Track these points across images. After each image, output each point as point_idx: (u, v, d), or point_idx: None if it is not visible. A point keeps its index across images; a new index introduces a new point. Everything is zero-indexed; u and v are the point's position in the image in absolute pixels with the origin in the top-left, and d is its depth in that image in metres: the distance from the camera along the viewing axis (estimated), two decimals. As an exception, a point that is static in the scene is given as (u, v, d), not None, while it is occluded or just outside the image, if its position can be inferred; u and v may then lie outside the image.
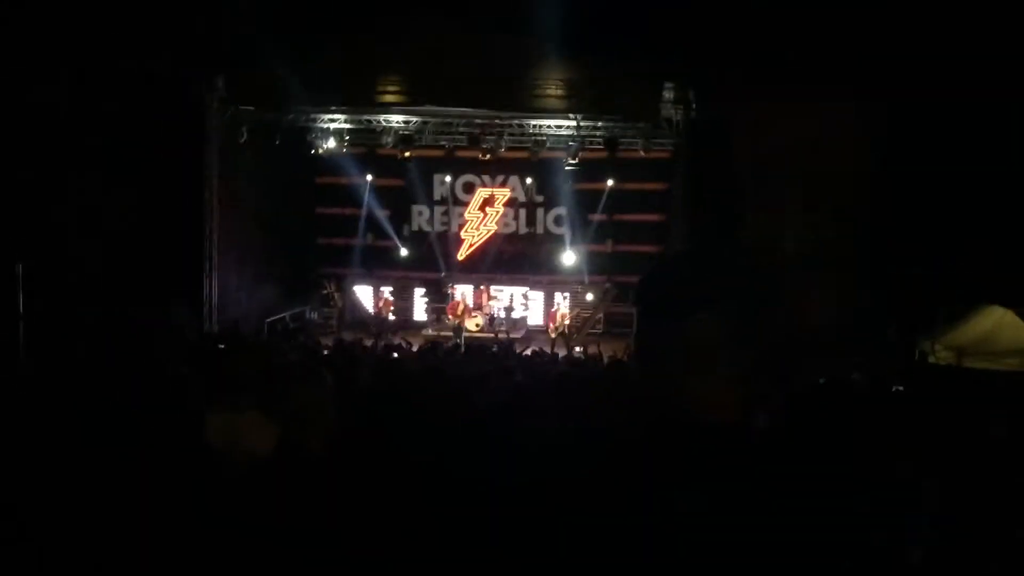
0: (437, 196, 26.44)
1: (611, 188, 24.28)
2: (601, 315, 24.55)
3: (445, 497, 3.01)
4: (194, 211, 20.48)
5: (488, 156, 22.80)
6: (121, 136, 17.40)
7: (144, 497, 3.20)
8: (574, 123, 21.31)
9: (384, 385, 7.79)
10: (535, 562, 1.93)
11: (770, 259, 18.08)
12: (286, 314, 23.53)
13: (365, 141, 23.66)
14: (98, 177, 17.16)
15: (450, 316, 23.88)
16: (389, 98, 20.83)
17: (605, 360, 14.76)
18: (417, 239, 26.45)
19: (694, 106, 20.28)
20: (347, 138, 23.41)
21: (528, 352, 17.27)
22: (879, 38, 17.02)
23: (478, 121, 21.82)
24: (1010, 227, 16.84)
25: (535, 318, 24.92)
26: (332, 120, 22.57)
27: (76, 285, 16.11)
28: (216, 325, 20.49)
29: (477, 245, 26.15)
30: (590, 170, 23.56)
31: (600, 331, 24.01)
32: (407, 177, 25.25)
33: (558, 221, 26.01)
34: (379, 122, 22.34)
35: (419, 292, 25.71)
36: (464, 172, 25.81)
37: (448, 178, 26.03)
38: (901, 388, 11.12)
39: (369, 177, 25.09)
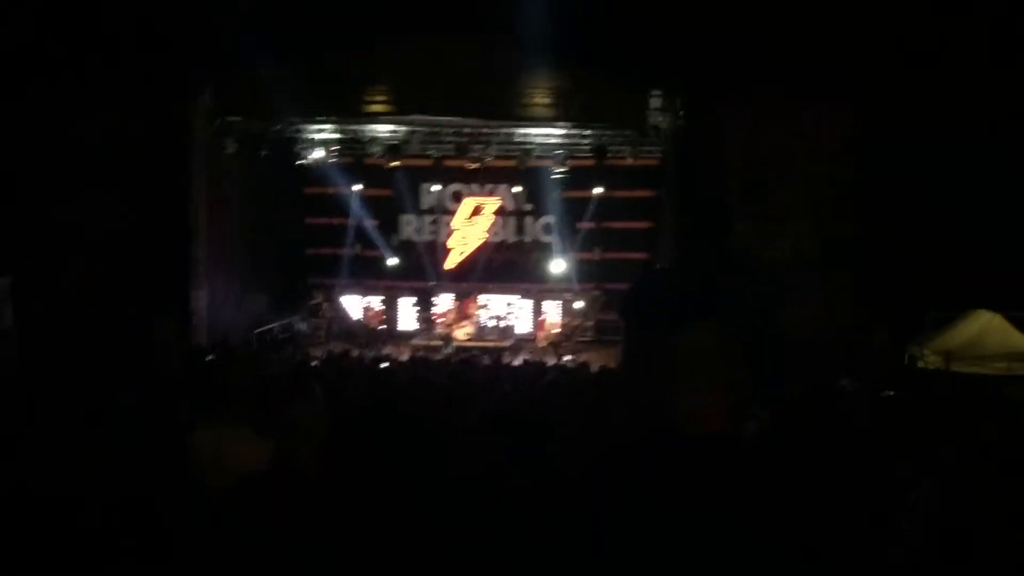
0: (425, 205, 26.45)
1: (599, 196, 24.32)
2: (591, 323, 24.58)
3: (438, 509, 3.00)
4: (181, 222, 20.40)
5: (476, 165, 22.81)
6: (106, 148, 17.35)
7: (133, 514, 3.18)
8: (562, 131, 21.33)
9: (374, 397, 7.78)
10: (529, 571, 1.93)
11: (759, 266, 18.13)
12: (275, 325, 23.46)
13: (353, 151, 23.64)
14: (83, 189, 17.11)
15: (440, 326, 23.86)
16: (376, 108, 20.81)
17: (595, 368, 14.76)
18: (405, 249, 26.43)
19: (681, 113, 20.32)
20: (334, 148, 23.37)
21: (518, 361, 17.30)
22: (866, 42, 17.06)
23: (466, 130, 21.82)
24: (998, 231, 16.89)
25: (524, 327, 24.91)
26: (319, 130, 22.54)
27: (61, 298, 16.05)
28: (205, 337, 20.42)
29: (466, 254, 26.17)
30: (578, 178, 23.59)
31: (590, 339, 24.05)
32: (395, 187, 25.26)
33: (547, 229, 26.03)
34: (366, 132, 22.32)
35: (408, 302, 25.67)
36: (452, 181, 25.81)
37: (436, 187, 26.03)
38: (891, 393, 11.14)
39: (357, 187, 25.07)
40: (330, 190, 25.26)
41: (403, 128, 22.13)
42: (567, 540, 1.86)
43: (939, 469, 4.28)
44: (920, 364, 15.79)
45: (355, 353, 16.46)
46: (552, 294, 25.13)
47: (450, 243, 26.24)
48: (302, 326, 25.35)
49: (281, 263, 24.61)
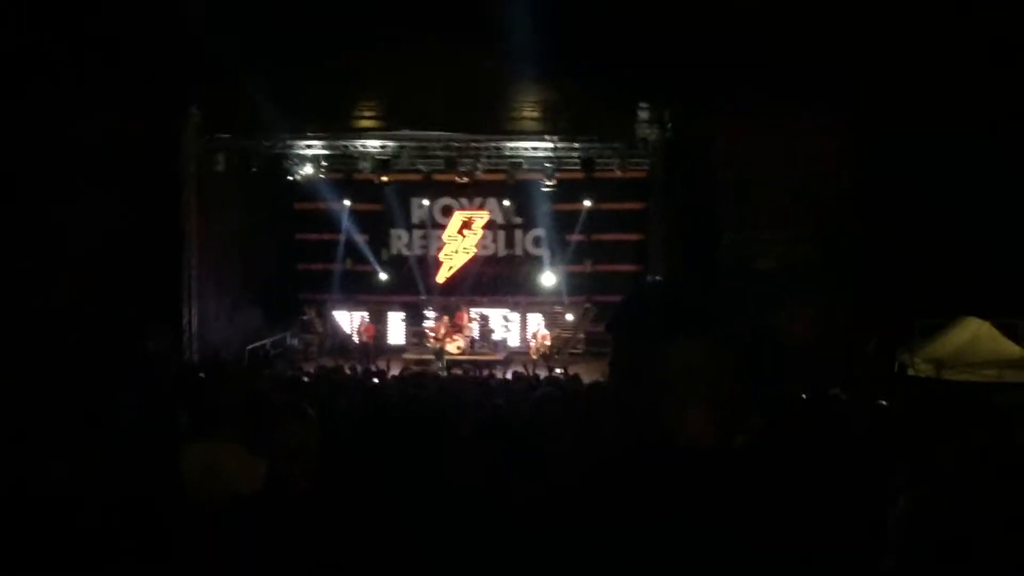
0: (415, 220, 26.47)
1: (589, 208, 24.36)
2: (582, 335, 24.58)
3: (432, 525, 3.00)
4: (172, 239, 20.40)
5: (465, 179, 22.82)
6: (98, 164, 17.33)
7: (126, 523, 3.17)
8: (550, 144, 21.35)
9: (366, 414, 7.77)
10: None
11: (750, 276, 18.16)
12: (267, 341, 23.43)
13: (342, 167, 23.63)
14: (74, 205, 17.07)
15: (431, 340, 23.85)
16: (366, 123, 20.84)
17: (586, 381, 14.74)
18: (396, 263, 26.44)
19: (669, 125, 20.36)
20: (324, 164, 23.37)
21: (509, 374, 17.26)
22: (851, 55, 17.14)
23: (455, 144, 21.83)
24: (987, 239, 16.96)
25: (515, 340, 24.90)
26: (309, 146, 22.54)
27: (54, 313, 16.00)
28: (196, 353, 20.39)
29: (456, 268, 26.18)
30: (567, 191, 23.61)
31: (581, 351, 24.05)
32: (385, 202, 25.27)
33: (537, 242, 26.06)
34: (356, 147, 22.32)
35: (399, 316, 25.65)
36: (442, 195, 25.85)
37: (426, 202, 26.05)
38: (884, 402, 11.15)
39: (347, 202, 25.09)
40: (320, 205, 25.28)
41: (392, 143, 22.13)
42: (560, 553, 1.86)
43: (934, 474, 4.29)
44: (911, 372, 15.84)
45: (347, 368, 16.41)
46: (543, 307, 25.13)
47: (440, 257, 26.24)
48: (293, 341, 25.32)
49: (272, 279, 24.58)
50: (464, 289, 25.76)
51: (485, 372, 17.53)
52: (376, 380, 14.06)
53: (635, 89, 19.96)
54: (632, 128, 20.56)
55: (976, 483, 4.07)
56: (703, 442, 1.91)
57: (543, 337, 23.70)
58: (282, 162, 23.50)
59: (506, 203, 25.61)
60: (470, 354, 23.15)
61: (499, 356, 23.49)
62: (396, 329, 25.59)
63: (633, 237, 24.40)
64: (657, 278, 20.54)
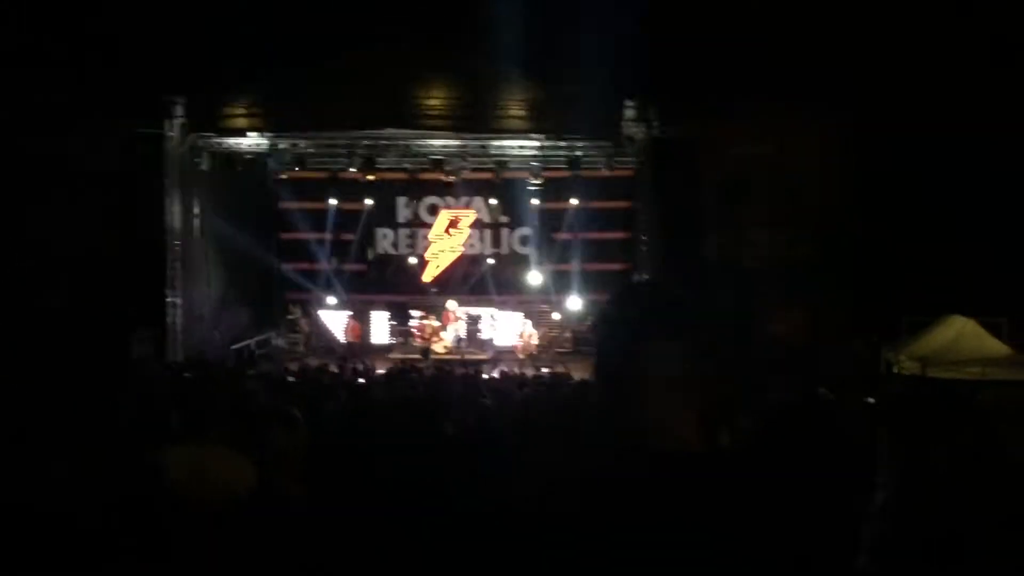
0: (401, 219, 26.43)
1: (575, 207, 24.35)
2: (568, 334, 24.60)
3: (419, 527, 2.99)
4: (156, 239, 20.35)
5: (452, 178, 22.80)
6: (81, 164, 17.26)
7: (115, 534, 3.15)
8: (537, 143, 21.34)
9: (354, 414, 7.75)
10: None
11: (736, 275, 18.21)
12: (252, 341, 23.37)
13: (328, 165, 23.59)
14: (57, 206, 17.00)
15: (417, 339, 23.82)
16: (351, 123, 20.80)
17: (573, 380, 14.77)
18: (382, 262, 26.39)
19: (656, 124, 20.38)
20: (309, 163, 23.32)
21: (496, 373, 17.28)
22: (838, 55, 17.19)
23: (441, 144, 21.81)
24: (971, 237, 17.03)
25: (503, 339, 24.88)
26: (294, 145, 22.49)
27: (34, 316, 15.92)
28: (181, 354, 20.33)
29: (443, 267, 26.15)
30: (554, 190, 23.62)
31: (568, 350, 24.07)
32: (371, 201, 25.21)
33: (523, 241, 26.06)
34: (341, 146, 22.28)
35: (385, 316, 25.59)
36: (428, 194, 25.81)
37: (412, 201, 26.03)
38: (871, 400, 11.18)
39: (332, 201, 25.02)
40: (306, 205, 25.23)
41: (378, 142, 22.09)
42: (548, 556, 1.86)
43: (912, 471, 4.29)
44: (896, 370, 15.90)
45: (333, 368, 16.39)
46: (530, 306, 25.12)
47: (427, 256, 26.20)
48: (279, 341, 25.26)
49: (257, 278, 24.52)
50: (450, 288, 25.72)
51: (472, 369, 17.54)
52: (362, 380, 14.05)
53: (621, 87, 19.97)
54: (618, 126, 20.57)
55: (955, 481, 4.06)
56: (689, 444, 1.90)
57: (530, 336, 23.70)
58: (267, 161, 23.45)
59: (492, 202, 25.59)
60: (457, 353, 23.13)
61: (486, 355, 23.48)
62: (382, 328, 25.53)
63: (620, 236, 24.40)
64: (643, 277, 20.56)
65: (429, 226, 26.22)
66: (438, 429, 6.32)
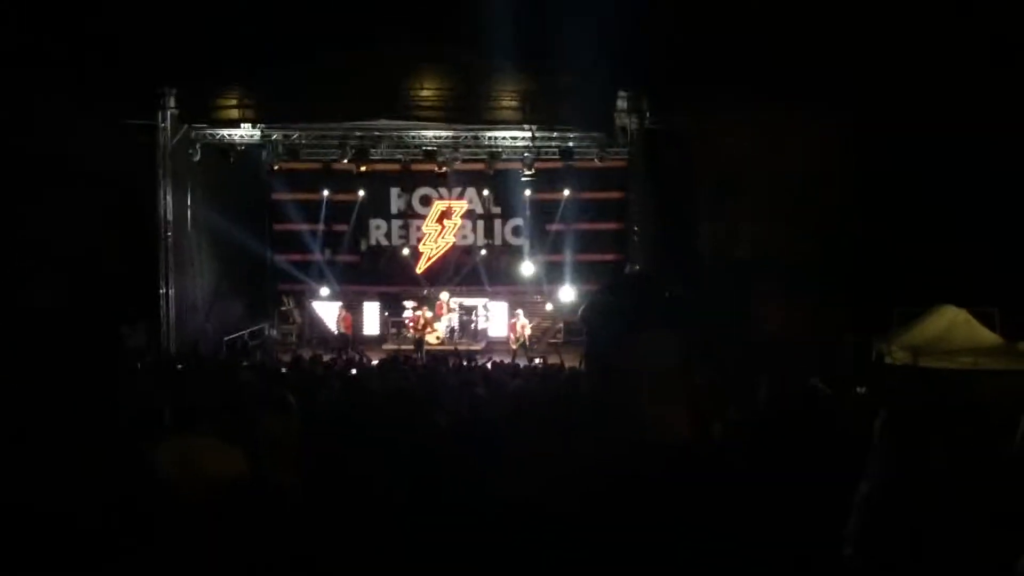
0: (394, 210, 26.38)
1: (568, 198, 24.33)
2: (561, 324, 24.60)
3: (413, 518, 2.99)
4: (149, 230, 20.31)
5: (444, 169, 22.78)
6: (71, 156, 17.20)
7: (101, 523, 3.15)
8: (529, 134, 21.32)
9: (347, 404, 7.75)
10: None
11: (728, 266, 18.23)
12: (245, 332, 23.35)
13: (320, 157, 23.54)
14: (50, 197, 16.95)
15: (410, 330, 23.80)
16: (344, 114, 20.77)
17: (566, 370, 14.78)
18: (375, 254, 26.36)
19: (648, 115, 20.37)
20: (302, 154, 23.28)
21: (488, 364, 17.28)
22: (832, 52, 17.20)
23: (433, 135, 21.78)
24: (964, 229, 17.05)
25: (495, 329, 24.87)
26: (287, 136, 22.44)
27: (27, 309, 15.88)
28: (174, 344, 20.32)
29: (436, 258, 26.10)
30: (546, 180, 23.60)
31: (561, 340, 24.06)
32: (364, 192, 25.18)
33: (516, 232, 26.03)
34: (334, 137, 22.24)
35: (378, 306, 25.57)
36: (421, 185, 25.75)
37: (405, 192, 25.98)
38: (863, 390, 11.22)
39: (325, 192, 24.99)
40: (299, 196, 25.20)
41: (371, 133, 22.05)
42: (543, 547, 1.86)
43: (898, 462, 4.31)
44: (888, 360, 15.92)
45: (326, 358, 16.38)
46: (523, 296, 25.10)
47: (420, 247, 26.16)
48: (272, 332, 25.24)
49: (251, 269, 24.48)
50: (444, 279, 25.68)
51: (465, 360, 17.53)
52: (355, 370, 14.04)
53: (614, 79, 19.95)
54: (611, 118, 20.55)
55: (944, 473, 4.09)
56: (681, 435, 1.91)
57: (523, 327, 23.71)
58: (260, 152, 23.40)
59: (485, 193, 25.56)
60: (450, 344, 23.13)
61: (479, 346, 23.49)
62: (375, 319, 25.50)
63: (612, 226, 24.39)
64: (635, 268, 20.57)
65: (422, 217, 26.18)
66: (431, 419, 6.32)
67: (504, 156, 22.48)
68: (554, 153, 21.97)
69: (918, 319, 16.26)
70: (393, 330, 25.03)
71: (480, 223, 26.24)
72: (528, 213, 25.38)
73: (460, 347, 22.46)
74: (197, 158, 21.18)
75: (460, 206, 26.01)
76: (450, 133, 21.67)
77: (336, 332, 24.48)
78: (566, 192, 24.16)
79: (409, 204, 26.22)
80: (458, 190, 25.85)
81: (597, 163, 22.10)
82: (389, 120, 21.03)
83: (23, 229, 16.87)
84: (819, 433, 5.72)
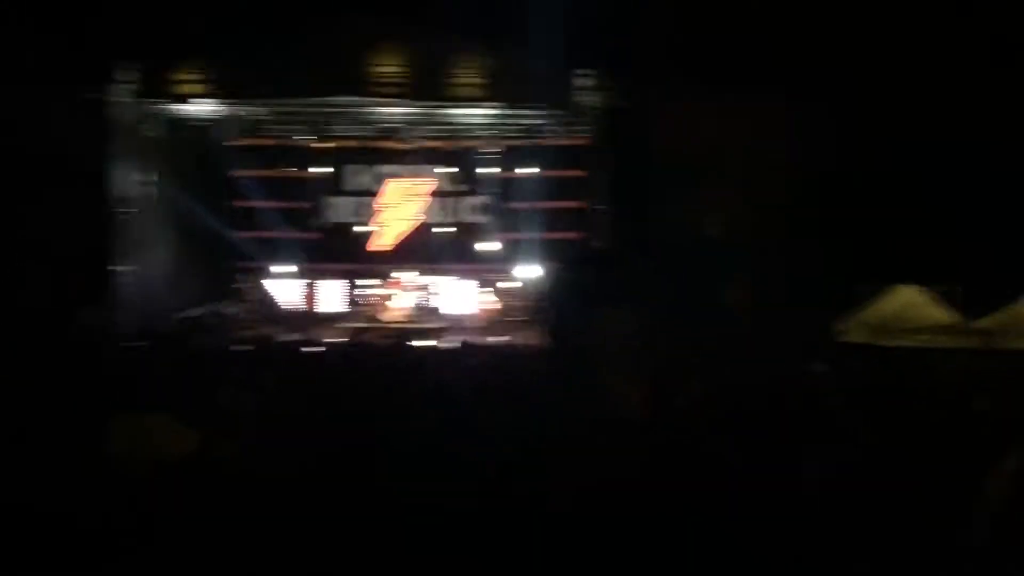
0: (354, 187, 26.19)
1: (530, 176, 24.28)
2: (524, 303, 24.60)
3: (372, 497, 2.96)
4: (103, 207, 20.08)
5: (406, 146, 22.66)
6: (24, 131, 16.95)
7: (50, 507, 3.09)
8: (492, 112, 21.27)
9: (302, 382, 7.67)
10: (453, 554, 1.90)
11: (691, 246, 18.30)
12: (202, 309, 23.15)
13: (280, 133, 23.34)
14: (2, 175, 16.72)
15: (370, 308, 23.71)
16: (304, 90, 20.61)
17: (526, 349, 14.78)
18: (334, 231, 26.18)
19: (611, 93, 20.38)
20: (261, 130, 23.07)
21: (450, 342, 17.26)
22: (795, 26, 17.29)
23: (395, 111, 21.65)
24: (918, 207, 17.23)
25: (457, 308, 24.84)
26: (246, 112, 22.22)
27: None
28: (130, 322, 20.12)
29: (396, 236, 25.97)
30: (509, 158, 23.55)
31: (523, 319, 24.06)
32: (324, 169, 24.98)
33: (478, 210, 25.95)
34: (294, 114, 22.06)
35: (337, 284, 25.43)
36: (382, 163, 25.57)
37: (365, 169, 25.80)
38: (822, 368, 11.28)
39: (284, 169, 24.76)
40: (257, 172, 24.94)
41: (331, 110, 21.90)
42: (502, 523, 1.84)
43: (850, 440, 4.33)
44: (847, 339, 16.06)
45: (283, 337, 16.28)
46: (484, 275, 25.07)
47: (380, 225, 26.00)
48: (230, 310, 25.03)
49: (208, 246, 24.24)
50: (404, 257, 25.57)
51: (426, 341, 17.51)
52: (312, 348, 13.96)
53: (577, 57, 19.93)
54: (574, 96, 20.55)
55: (896, 450, 4.11)
56: (641, 409, 1.88)
57: (484, 305, 23.69)
58: (216, 127, 23.16)
59: (447, 170, 25.44)
60: (410, 322, 23.07)
61: (440, 324, 23.44)
62: (335, 298, 25.37)
63: (575, 205, 24.37)
64: (597, 245, 20.61)
65: (382, 194, 26.02)
66: (391, 397, 6.27)
67: (466, 134, 22.41)
68: (516, 131, 21.94)
69: (876, 297, 16.42)
70: (353, 308, 24.91)
71: (442, 201, 26.12)
72: (490, 191, 25.30)
73: (421, 325, 22.42)
74: (154, 134, 20.95)
75: (421, 184, 25.87)
76: (412, 110, 21.57)
77: (294, 310, 24.33)
78: (528, 170, 24.09)
79: (369, 181, 26.03)
80: (419, 168, 25.68)
81: (560, 141, 22.09)
82: (350, 96, 20.88)
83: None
84: (779, 409, 5.74)
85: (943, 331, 15.42)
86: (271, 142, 23.67)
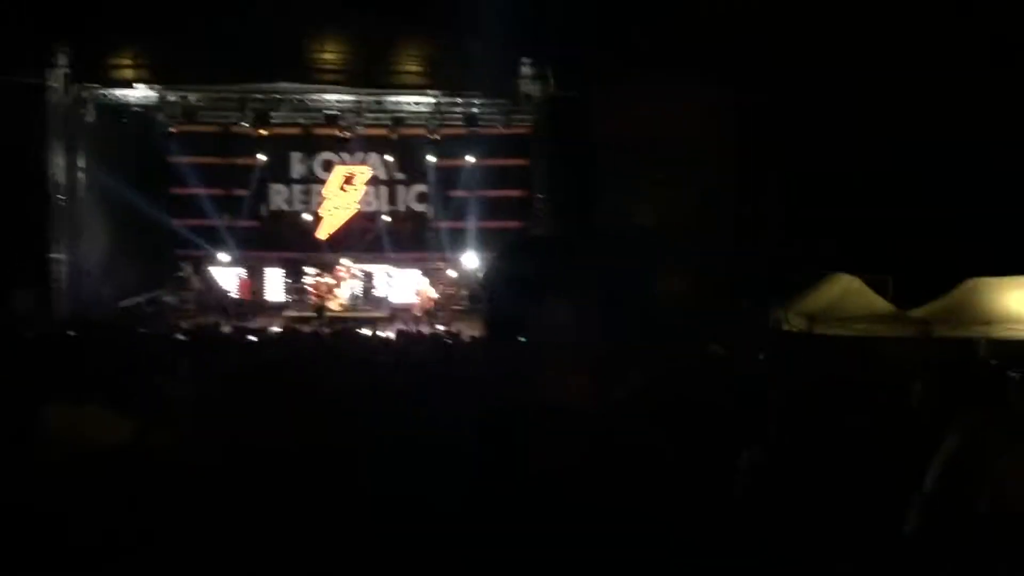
0: (295, 175, 25.95)
1: (472, 164, 24.22)
2: (465, 292, 24.57)
3: (310, 488, 2.94)
4: (38, 193, 19.72)
5: (347, 134, 22.51)
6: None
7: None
8: (433, 99, 21.19)
9: (245, 373, 7.60)
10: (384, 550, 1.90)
11: (629, 234, 18.38)
12: (141, 298, 22.85)
13: (219, 119, 23.04)
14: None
15: (312, 297, 23.55)
16: (243, 75, 20.36)
17: (468, 338, 14.79)
18: (276, 219, 25.94)
19: (552, 83, 20.40)
20: (200, 116, 22.75)
21: (391, 332, 17.20)
22: (727, 26, 17.44)
23: (336, 98, 21.48)
24: (856, 197, 17.47)
25: (398, 296, 24.75)
26: (183, 97, 21.90)
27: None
28: (66, 309, 19.81)
29: (338, 224, 25.80)
30: (451, 147, 23.48)
31: (465, 308, 24.04)
32: (264, 156, 24.71)
33: (420, 198, 25.85)
34: (233, 100, 21.79)
35: (279, 273, 25.22)
36: (323, 150, 25.36)
37: (306, 156, 25.58)
38: (762, 357, 11.42)
39: (224, 156, 24.46)
40: (196, 159, 24.59)
41: (271, 96, 21.67)
42: (438, 513, 1.83)
43: (785, 426, 4.39)
44: (784, 327, 16.26)
45: (224, 326, 16.11)
46: (426, 263, 25.02)
47: (321, 213, 25.81)
48: (169, 299, 24.71)
49: (146, 234, 23.89)
50: (346, 245, 25.40)
51: (368, 330, 17.45)
52: (253, 338, 13.83)
53: (519, 45, 19.92)
54: (515, 84, 20.55)
55: (835, 438, 4.17)
56: (580, 399, 1.89)
57: (426, 293, 23.64)
58: (155, 114, 22.80)
59: (388, 158, 25.30)
60: (352, 311, 22.95)
61: (382, 313, 23.34)
62: (276, 286, 25.15)
63: (516, 193, 24.37)
64: (538, 234, 20.65)
65: (324, 182, 25.80)
66: (332, 387, 6.24)
67: (408, 121, 22.31)
68: (458, 119, 21.89)
69: (813, 287, 16.64)
70: (295, 297, 24.72)
71: (383, 189, 25.97)
72: (432, 179, 25.21)
73: (362, 314, 22.32)
74: (89, 119, 20.60)
75: (363, 171, 25.69)
76: (353, 97, 21.42)
77: (235, 299, 24.10)
78: (470, 158, 24.03)
79: (311, 169, 25.80)
80: (361, 155, 25.50)
81: (501, 130, 22.07)
82: (290, 83, 20.68)
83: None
84: (717, 399, 5.81)
85: (880, 320, 15.67)
86: (210, 129, 23.34)
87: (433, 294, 23.79)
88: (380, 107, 21.84)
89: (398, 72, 20.35)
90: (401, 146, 24.19)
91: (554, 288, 1.90)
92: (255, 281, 24.70)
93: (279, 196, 25.99)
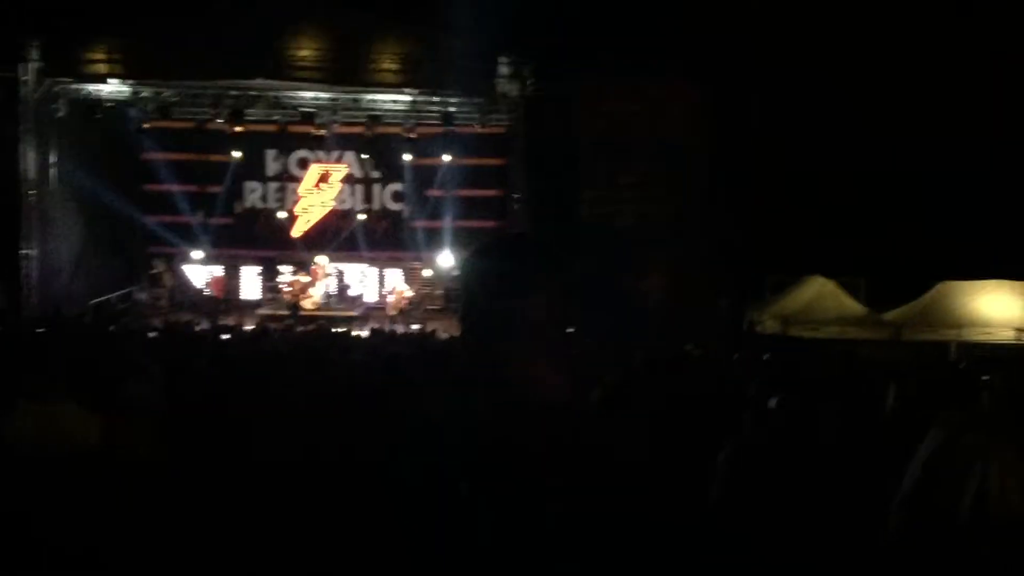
0: (270, 172, 25.84)
1: (448, 163, 24.17)
2: (440, 291, 24.53)
3: (282, 485, 2.91)
4: (9, 189, 19.55)
5: (323, 131, 22.42)
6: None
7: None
8: (409, 98, 21.14)
9: (216, 371, 7.56)
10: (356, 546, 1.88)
11: (607, 234, 18.42)
12: (113, 295, 22.67)
13: (194, 115, 22.89)
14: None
15: (286, 295, 23.44)
16: (218, 71, 20.22)
17: (442, 337, 14.79)
18: (250, 216, 25.81)
19: (530, 81, 20.39)
20: (174, 112, 22.59)
21: (365, 331, 17.17)
22: (705, 27, 17.49)
23: (311, 96, 21.39)
24: (831, 202, 17.57)
25: (373, 295, 24.69)
26: (157, 93, 21.74)
27: None
28: (37, 307, 19.63)
29: (313, 222, 25.69)
30: (427, 145, 23.41)
31: (439, 307, 24.00)
32: (239, 153, 24.56)
33: (396, 197, 25.79)
34: (208, 96, 21.65)
35: (253, 271, 25.09)
36: (298, 148, 25.25)
37: (282, 154, 25.46)
38: (738, 357, 11.48)
39: (199, 153, 24.29)
40: (170, 156, 24.42)
41: (246, 93, 21.54)
42: (414, 513, 1.81)
43: (762, 422, 4.41)
44: (759, 328, 16.35)
45: (198, 324, 16.01)
46: (401, 262, 24.97)
47: (296, 210, 25.70)
48: (142, 296, 24.55)
49: (119, 231, 23.71)
50: (321, 244, 25.30)
51: (343, 328, 17.40)
52: (226, 336, 13.77)
53: (496, 44, 19.90)
54: (492, 83, 20.53)
55: (808, 438, 4.19)
56: (556, 399, 1.87)
57: (401, 293, 23.59)
58: (129, 109, 22.62)
59: (364, 157, 25.22)
60: (326, 310, 22.87)
61: (356, 312, 23.27)
62: (250, 284, 25.03)
63: (493, 193, 24.35)
64: (514, 233, 20.64)
65: (299, 180, 25.69)
66: (304, 386, 6.21)
67: (384, 120, 22.24)
68: (435, 118, 21.84)
69: (788, 289, 16.74)
70: (269, 295, 24.59)
71: (359, 187, 25.90)
72: (407, 178, 25.14)
73: (337, 313, 22.26)
74: (62, 114, 20.43)
75: (338, 170, 25.61)
76: (329, 95, 21.33)
77: (208, 297, 23.96)
78: (446, 157, 23.97)
79: (286, 166, 25.69)
80: (336, 153, 25.42)
81: (478, 129, 22.04)
82: (266, 79, 20.57)
83: None
84: (693, 396, 5.82)
85: (852, 323, 15.78)
86: (185, 125, 23.18)
87: (408, 293, 23.74)
88: (356, 105, 21.76)
89: (375, 70, 20.26)
90: (377, 144, 24.09)
91: (530, 288, 1.88)
92: (229, 279, 24.56)
93: (254, 193, 25.87)
